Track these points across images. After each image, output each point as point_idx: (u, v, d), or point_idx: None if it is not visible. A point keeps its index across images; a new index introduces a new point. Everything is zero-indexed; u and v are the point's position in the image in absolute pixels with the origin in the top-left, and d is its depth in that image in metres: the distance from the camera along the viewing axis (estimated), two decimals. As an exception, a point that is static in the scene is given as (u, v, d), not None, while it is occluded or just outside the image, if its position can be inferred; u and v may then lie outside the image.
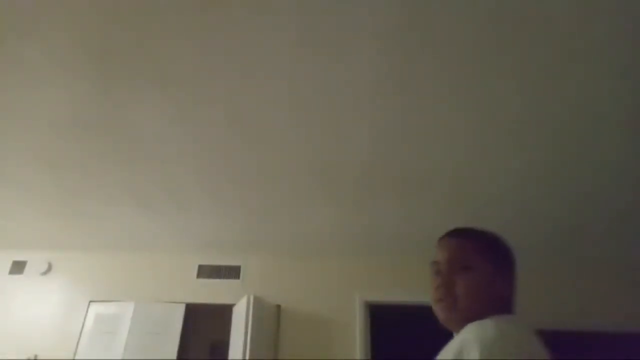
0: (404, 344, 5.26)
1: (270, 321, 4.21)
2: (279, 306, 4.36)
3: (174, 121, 2.54)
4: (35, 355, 4.14)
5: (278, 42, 1.96)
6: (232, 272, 4.58)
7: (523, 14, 1.78)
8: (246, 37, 1.94)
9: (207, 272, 4.59)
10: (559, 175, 2.95)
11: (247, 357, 3.62)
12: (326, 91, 2.25)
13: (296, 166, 2.97)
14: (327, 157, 2.85)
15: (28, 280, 4.56)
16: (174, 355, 4.16)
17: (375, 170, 2.97)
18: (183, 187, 3.31)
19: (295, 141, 2.69)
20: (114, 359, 4.10)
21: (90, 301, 4.45)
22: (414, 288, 4.41)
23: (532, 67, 2.05)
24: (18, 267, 4.62)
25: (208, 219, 3.87)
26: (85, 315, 4.38)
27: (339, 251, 4.51)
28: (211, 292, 4.49)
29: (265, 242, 4.36)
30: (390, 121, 2.47)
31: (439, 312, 1.03)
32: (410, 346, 5.28)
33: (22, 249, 4.68)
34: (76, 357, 4.15)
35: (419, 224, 3.79)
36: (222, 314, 4.54)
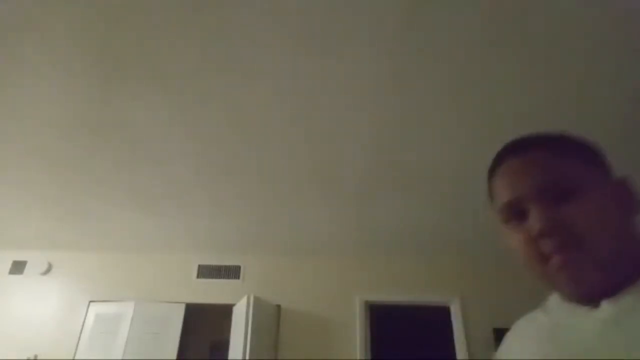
0: (404, 344, 5.27)
1: (270, 321, 4.22)
2: (278, 306, 4.36)
3: (174, 121, 2.54)
4: (35, 355, 4.15)
5: (278, 43, 1.96)
6: (232, 272, 4.59)
7: (522, 15, 1.78)
8: (246, 38, 1.94)
9: (207, 272, 4.60)
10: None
11: (247, 357, 3.62)
12: (326, 91, 2.25)
13: (296, 166, 2.97)
14: (327, 157, 2.85)
15: (28, 280, 4.57)
16: (174, 355, 4.16)
17: (375, 171, 2.98)
18: (183, 187, 3.32)
19: (295, 141, 2.70)
20: (114, 359, 4.11)
21: (90, 301, 4.45)
22: (413, 288, 4.42)
23: (530, 68, 2.05)
24: (18, 267, 4.63)
25: (208, 219, 3.87)
26: (85, 315, 4.38)
27: (338, 251, 4.51)
28: (211, 292, 4.49)
29: (265, 242, 4.37)
30: (390, 121, 2.47)
31: (562, 277, 0.57)
32: (410, 346, 5.29)
33: (22, 249, 4.69)
34: (76, 357, 4.16)
35: (419, 224, 3.79)
36: (222, 314, 4.55)
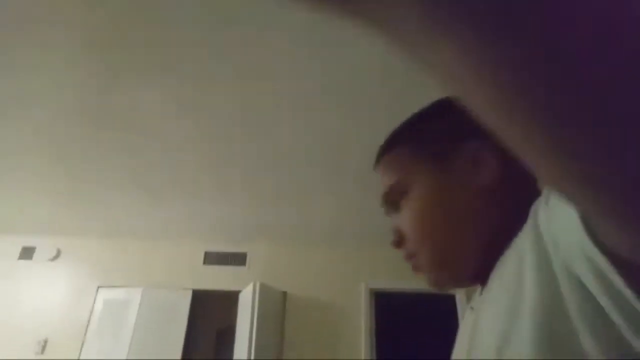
0: (408, 331, 5.29)
1: (276, 308, 4.25)
2: (284, 293, 4.39)
3: (180, 109, 2.53)
4: (45, 339, 4.21)
5: (284, 30, 1.94)
6: (238, 259, 4.61)
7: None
8: (252, 25, 1.92)
9: (213, 258, 4.62)
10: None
11: (253, 343, 3.65)
12: (332, 80, 2.23)
13: (303, 154, 2.96)
14: (333, 145, 2.84)
15: (37, 265, 4.62)
16: (181, 341, 4.21)
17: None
18: (189, 174, 3.32)
19: (303, 128, 2.68)
20: (122, 344, 4.16)
21: (99, 287, 4.50)
22: (420, 276, 4.42)
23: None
24: (27, 253, 4.68)
25: (214, 206, 3.88)
26: (94, 300, 4.43)
27: (344, 239, 4.52)
28: (217, 279, 4.53)
29: (271, 230, 4.38)
30: (396, 109, 2.45)
31: (423, 278, 0.57)
32: (414, 333, 5.31)
33: (31, 235, 4.74)
34: (85, 342, 4.22)
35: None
36: (228, 300, 4.59)
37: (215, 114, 2.58)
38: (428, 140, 0.54)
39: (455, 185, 0.51)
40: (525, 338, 0.35)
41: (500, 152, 0.49)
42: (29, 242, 4.75)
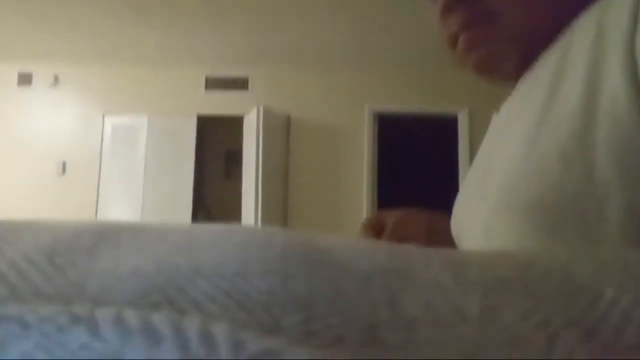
0: (410, 153, 5.51)
1: (281, 131, 4.34)
2: (288, 116, 4.44)
3: None
4: (64, 162, 4.43)
5: None
6: (240, 83, 4.53)
7: None
8: None
9: (215, 83, 4.54)
10: None
11: (260, 164, 3.85)
12: None
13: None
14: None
15: (37, 92, 4.57)
16: (192, 162, 4.43)
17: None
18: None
19: None
20: (137, 165, 4.38)
21: (104, 113, 4.53)
22: (421, 99, 4.40)
23: None
24: (25, 79, 4.60)
25: (213, 29, 3.65)
26: (102, 126, 4.52)
27: (348, 62, 4.36)
28: (221, 104, 4.53)
29: (273, 53, 4.20)
30: None
31: (470, 61, 0.43)
32: (416, 154, 5.54)
33: (26, 61, 4.57)
34: (102, 164, 4.44)
35: (431, 36, 3.55)
36: (234, 124, 4.67)
37: None
38: None
39: None
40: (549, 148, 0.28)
41: None
42: (25, 68, 4.62)
